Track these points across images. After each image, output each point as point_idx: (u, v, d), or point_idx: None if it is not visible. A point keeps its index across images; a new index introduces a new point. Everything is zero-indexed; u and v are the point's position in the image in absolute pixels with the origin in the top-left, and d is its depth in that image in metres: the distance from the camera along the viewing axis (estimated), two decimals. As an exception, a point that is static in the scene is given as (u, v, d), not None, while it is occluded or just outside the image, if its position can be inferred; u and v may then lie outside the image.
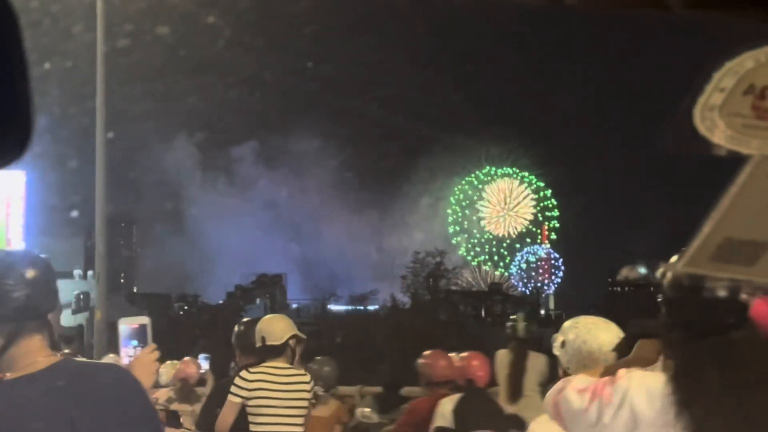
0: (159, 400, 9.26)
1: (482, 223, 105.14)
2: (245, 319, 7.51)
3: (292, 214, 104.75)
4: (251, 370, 6.73)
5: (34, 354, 3.29)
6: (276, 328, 6.89)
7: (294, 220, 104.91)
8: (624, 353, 3.44)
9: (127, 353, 3.91)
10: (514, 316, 9.53)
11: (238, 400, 6.65)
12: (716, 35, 1.56)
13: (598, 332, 4.01)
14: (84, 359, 3.21)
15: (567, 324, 4.16)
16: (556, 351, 4.19)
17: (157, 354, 3.81)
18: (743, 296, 2.68)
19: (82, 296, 78.06)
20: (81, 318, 74.56)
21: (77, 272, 77.09)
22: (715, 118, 1.62)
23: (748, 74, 1.58)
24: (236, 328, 7.25)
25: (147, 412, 3.27)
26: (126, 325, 4.00)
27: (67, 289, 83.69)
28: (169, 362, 9.93)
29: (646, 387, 2.80)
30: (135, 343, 3.92)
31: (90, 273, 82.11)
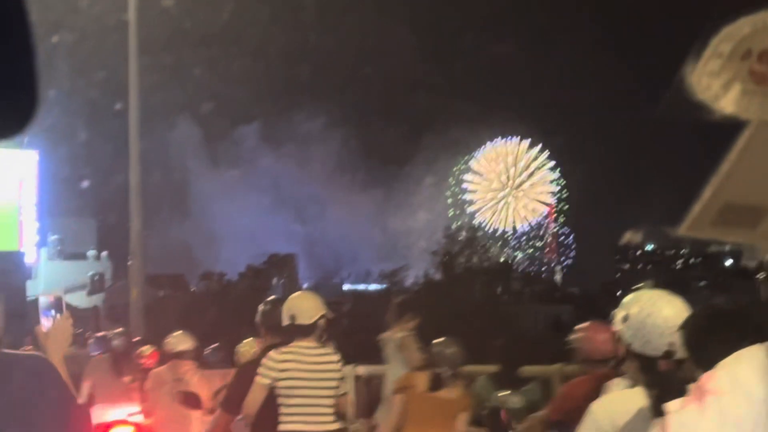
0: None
1: (469, 208, 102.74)
2: (271, 298, 7.35)
3: (295, 194, 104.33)
4: (281, 350, 6.54)
5: None
6: (306, 306, 6.74)
7: (297, 200, 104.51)
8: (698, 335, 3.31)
9: (46, 322, 4.25)
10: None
11: (267, 381, 6.51)
12: (714, 1, 1.57)
13: (662, 305, 3.93)
14: (9, 350, 3.42)
15: (629, 298, 4.08)
16: (618, 326, 4.10)
17: (71, 320, 4.10)
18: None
19: (96, 277, 76.67)
20: (97, 299, 73.62)
21: (91, 253, 76.89)
22: (713, 83, 1.63)
23: (746, 39, 1.59)
24: (262, 307, 7.07)
25: (63, 399, 3.42)
26: (45, 298, 4.45)
27: (81, 271, 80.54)
28: (248, 341, 9.63)
29: (754, 363, 2.68)
30: (52, 312, 4.30)
31: (104, 254, 78.87)
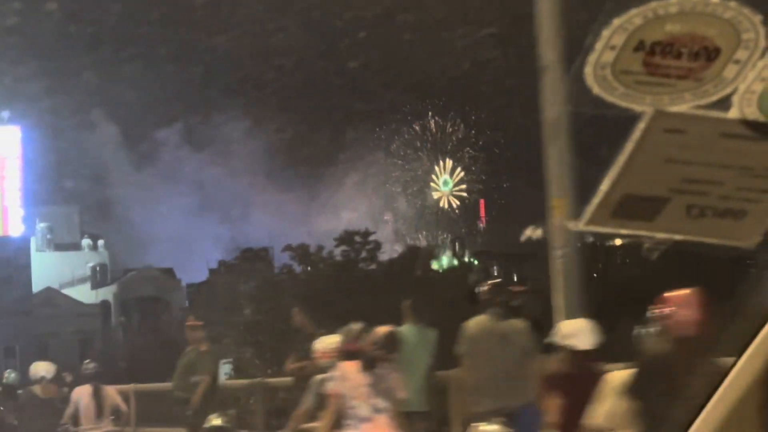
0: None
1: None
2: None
3: (219, 196, 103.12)
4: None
5: None
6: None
7: (221, 202, 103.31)
8: None
9: None
10: None
11: None
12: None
13: None
14: None
15: None
16: None
17: None
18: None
19: (98, 268, 69.99)
20: (106, 293, 67.96)
21: (86, 242, 70.47)
22: (607, 75, 1.63)
23: (638, 31, 1.60)
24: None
25: None
26: None
27: (77, 262, 72.32)
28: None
29: None
30: None
31: (101, 243, 72.00)
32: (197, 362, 13.49)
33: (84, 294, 65.63)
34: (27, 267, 60.41)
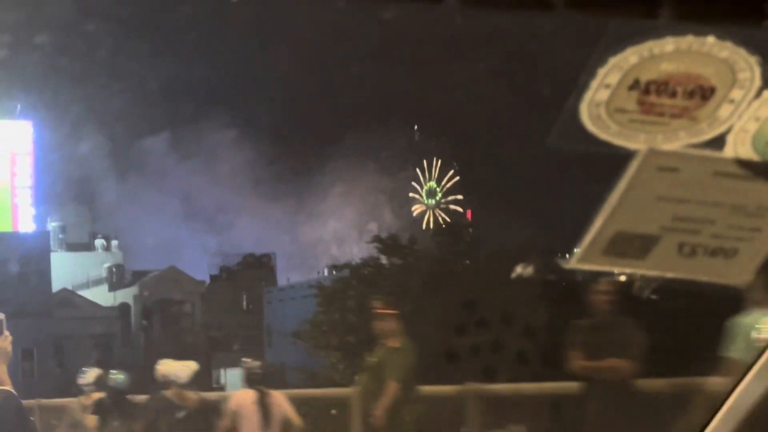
0: None
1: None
2: None
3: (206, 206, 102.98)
4: None
5: None
6: None
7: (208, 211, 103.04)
8: None
9: None
10: None
11: None
12: (600, 31, 1.57)
13: None
14: None
15: None
16: None
17: (10, 339, 4.68)
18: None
19: (115, 269, 66.56)
20: (125, 295, 64.73)
21: (100, 242, 67.26)
22: (602, 113, 1.64)
23: (633, 70, 1.60)
24: None
25: (26, 428, 3.91)
26: None
27: (90, 263, 69.28)
28: None
29: None
30: None
31: (115, 243, 68.29)
32: (386, 363, 10.61)
33: (100, 296, 63.61)
34: (46, 265, 57.87)
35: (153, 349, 54.54)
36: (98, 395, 12.83)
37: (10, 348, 4.60)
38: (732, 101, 1.65)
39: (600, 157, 1.69)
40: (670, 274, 1.87)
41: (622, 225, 1.77)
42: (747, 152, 1.72)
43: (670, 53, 1.59)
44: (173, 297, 62.46)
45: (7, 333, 4.78)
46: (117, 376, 12.93)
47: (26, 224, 54.25)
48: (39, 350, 54.15)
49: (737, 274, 1.87)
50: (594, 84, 1.61)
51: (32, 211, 52.84)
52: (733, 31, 1.58)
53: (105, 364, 13.54)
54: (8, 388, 4.33)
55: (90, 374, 13.38)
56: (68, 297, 61.60)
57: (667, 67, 1.60)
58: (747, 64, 1.60)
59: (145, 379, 13.45)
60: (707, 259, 1.83)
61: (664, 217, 1.78)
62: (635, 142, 1.67)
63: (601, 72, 1.60)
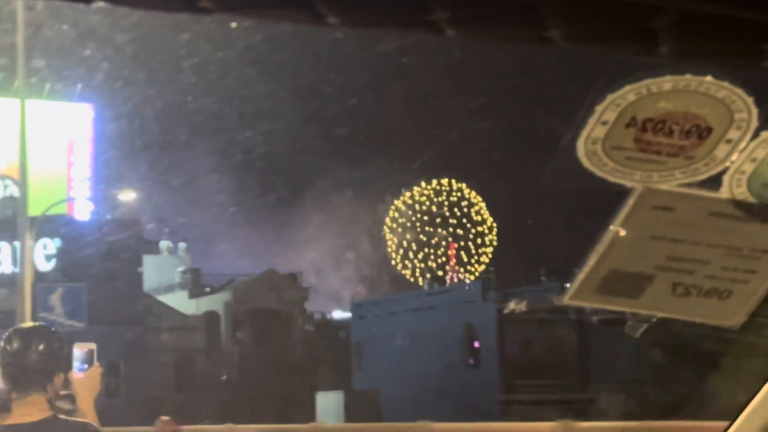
0: None
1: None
2: None
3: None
4: None
5: (30, 407, 4.02)
6: None
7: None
8: None
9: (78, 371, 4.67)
10: None
11: None
12: (598, 68, 1.57)
13: None
14: (64, 417, 4.06)
15: None
16: None
17: (100, 370, 4.63)
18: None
19: (191, 275, 54.92)
20: (211, 303, 53.47)
21: (165, 244, 58.53)
22: (598, 150, 1.63)
23: (630, 107, 1.59)
24: None
25: None
26: (78, 350, 4.71)
27: (157, 266, 55.24)
28: None
29: None
30: (85, 366, 4.64)
31: (182, 245, 57.81)
32: None
33: (183, 303, 54.35)
34: (136, 262, 48.45)
35: (255, 369, 49.40)
36: None
37: (99, 380, 4.54)
38: (729, 141, 1.65)
39: (595, 194, 1.68)
40: (663, 314, 1.87)
41: (616, 263, 1.77)
42: (743, 193, 1.71)
43: (668, 92, 1.58)
44: (270, 306, 53.86)
45: (97, 364, 4.67)
46: None
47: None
48: (126, 365, 45.75)
49: (731, 315, 1.87)
50: (591, 120, 1.60)
51: (90, 205, 46.19)
52: (730, 71, 1.58)
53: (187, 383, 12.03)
54: (92, 422, 4.15)
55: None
56: (150, 304, 52.54)
57: (664, 106, 1.60)
58: (744, 104, 1.60)
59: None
60: (701, 299, 1.83)
61: (658, 256, 1.77)
62: (631, 179, 1.67)
63: (599, 108, 1.59)
